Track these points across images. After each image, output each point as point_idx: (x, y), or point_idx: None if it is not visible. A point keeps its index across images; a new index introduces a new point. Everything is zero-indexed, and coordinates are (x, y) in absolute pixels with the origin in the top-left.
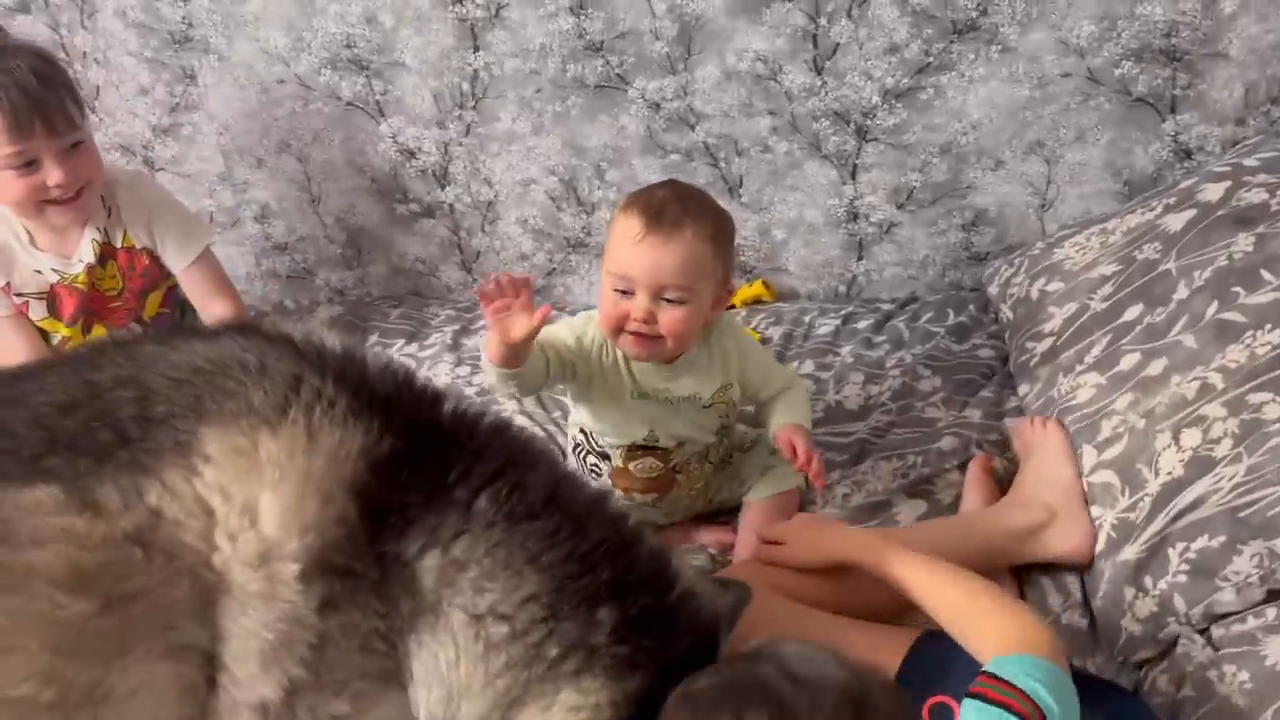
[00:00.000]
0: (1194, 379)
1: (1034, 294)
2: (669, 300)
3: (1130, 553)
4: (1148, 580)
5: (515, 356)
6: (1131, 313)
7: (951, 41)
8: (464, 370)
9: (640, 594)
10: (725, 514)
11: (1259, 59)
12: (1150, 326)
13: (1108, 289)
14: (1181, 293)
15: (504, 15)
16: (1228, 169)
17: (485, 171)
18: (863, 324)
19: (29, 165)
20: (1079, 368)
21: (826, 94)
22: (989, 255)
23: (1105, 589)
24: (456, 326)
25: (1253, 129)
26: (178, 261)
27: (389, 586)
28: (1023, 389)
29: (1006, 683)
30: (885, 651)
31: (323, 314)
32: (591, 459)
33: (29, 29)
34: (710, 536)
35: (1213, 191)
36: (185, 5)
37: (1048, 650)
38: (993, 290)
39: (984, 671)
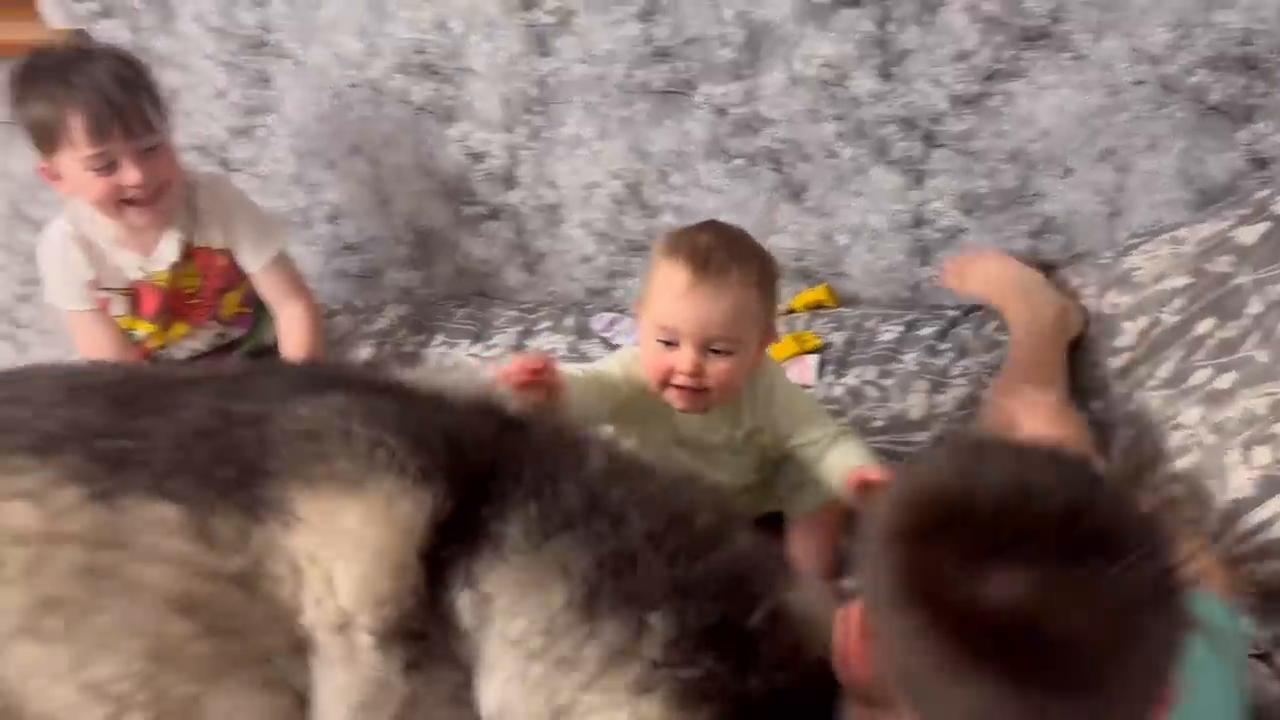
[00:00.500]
0: (1265, 394)
1: (1105, 307)
2: (716, 351)
3: None
4: None
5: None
6: (1203, 327)
7: (1022, 48)
8: None
9: (708, 604)
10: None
11: None
12: (1222, 341)
13: (1179, 302)
14: (1255, 307)
15: (572, 22)
16: None
17: (550, 175)
18: (926, 330)
19: (108, 167)
20: (1150, 383)
21: (894, 100)
22: (1057, 263)
23: None
24: (520, 328)
25: None
26: (253, 262)
27: (449, 638)
28: (1095, 404)
29: None
30: None
31: (390, 313)
32: None
33: (111, 33)
34: None
35: None
36: (262, 11)
37: None
38: None
39: None
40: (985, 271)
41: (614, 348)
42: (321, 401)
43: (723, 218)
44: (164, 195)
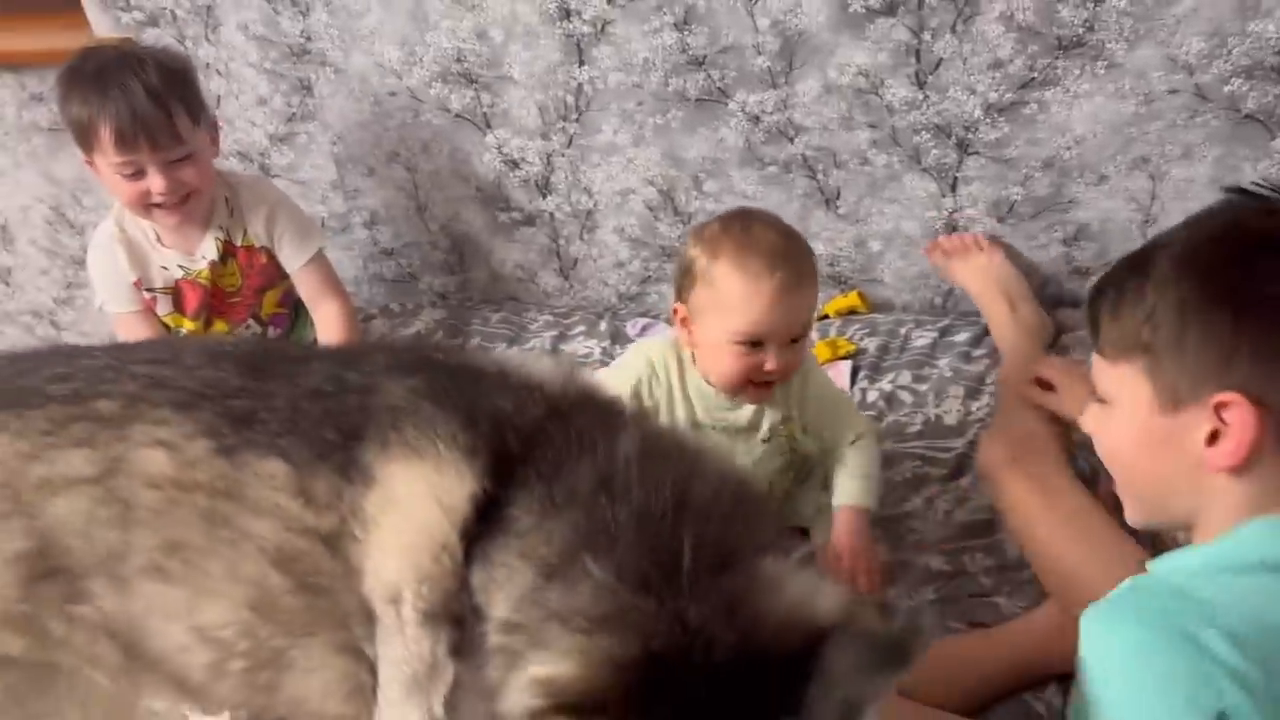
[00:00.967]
0: None
1: None
2: (794, 341)
3: None
4: None
5: None
6: None
7: (1056, 57)
8: None
9: (658, 555)
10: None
11: None
12: None
13: None
14: None
15: (609, 31)
16: None
17: (585, 181)
18: (961, 337)
19: (136, 174)
20: None
21: (928, 108)
22: (1090, 270)
23: None
24: (554, 332)
25: None
26: (293, 260)
27: (480, 624)
28: None
29: None
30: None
31: (426, 317)
32: None
33: (156, 42)
34: None
35: None
36: (304, 20)
37: None
38: None
39: None
40: (977, 266)
41: None
42: (408, 381)
43: None
44: (191, 201)
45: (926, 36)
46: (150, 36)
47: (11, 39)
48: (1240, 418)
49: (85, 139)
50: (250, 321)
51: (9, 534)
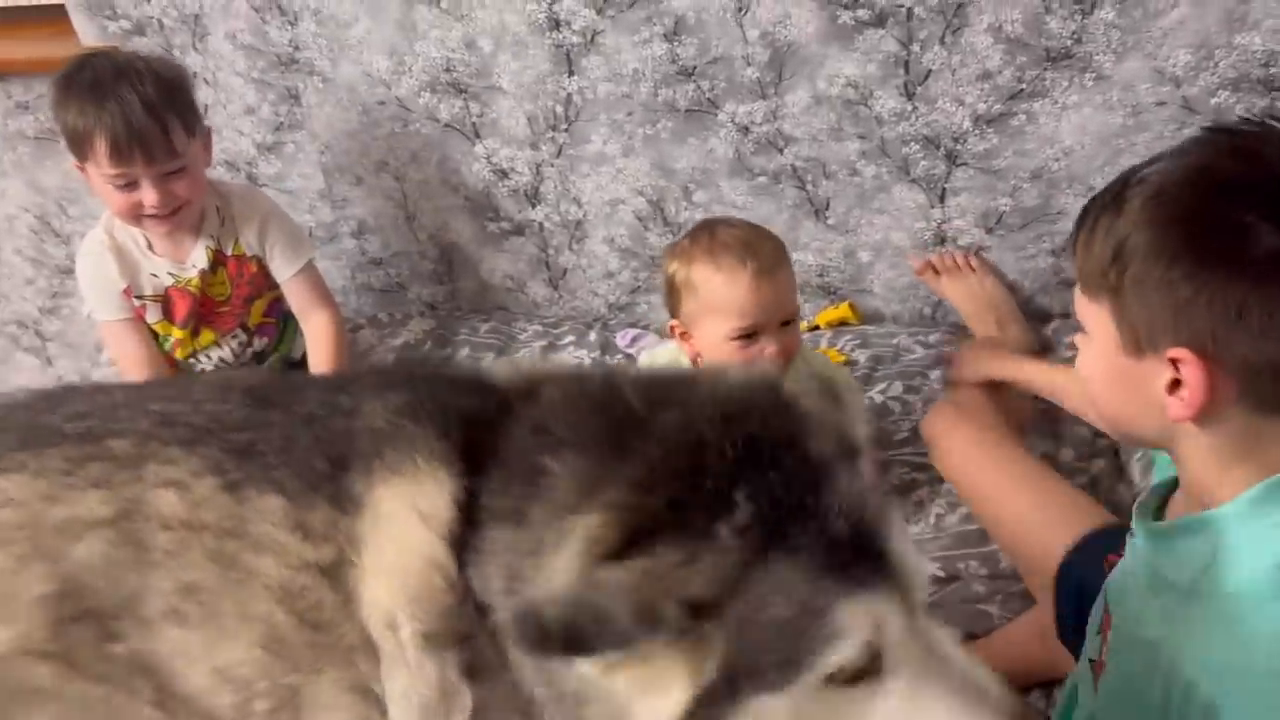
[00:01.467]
0: None
1: None
2: (785, 324)
3: None
4: None
5: None
6: None
7: (1045, 69)
8: None
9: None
10: None
11: None
12: None
13: None
14: None
15: (599, 41)
16: None
17: (575, 191)
18: (952, 349)
19: (128, 185)
20: None
21: (917, 119)
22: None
23: None
24: (544, 342)
25: None
26: (284, 270)
27: (496, 639)
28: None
29: None
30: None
31: (414, 327)
32: None
33: (143, 51)
34: None
35: None
36: (292, 29)
37: None
38: None
39: None
40: (968, 286)
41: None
42: (389, 399)
43: None
44: (182, 211)
45: (915, 48)
46: (137, 45)
47: None
48: (1192, 374)
49: (79, 148)
50: (238, 331)
51: (32, 577)
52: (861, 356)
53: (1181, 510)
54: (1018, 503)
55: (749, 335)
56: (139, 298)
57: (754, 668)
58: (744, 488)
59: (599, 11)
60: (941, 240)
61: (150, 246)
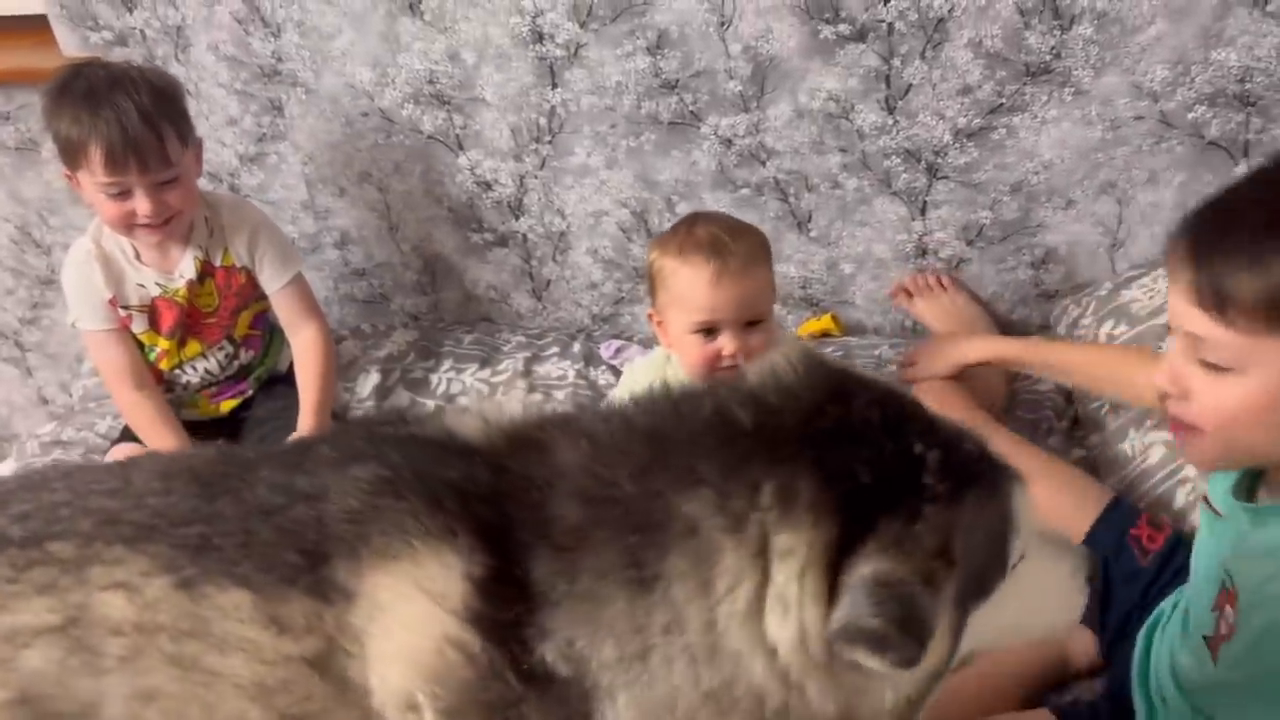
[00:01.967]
0: None
1: (1101, 336)
2: (750, 325)
3: None
4: None
5: None
6: None
7: (1024, 83)
8: (536, 397)
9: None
10: None
11: None
12: None
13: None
14: None
15: (582, 54)
16: None
17: (558, 203)
18: None
19: (122, 194)
20: (1149, 423)
21: (898, 133)
22: (1058, 293)
23: None
24: (528, 353)
25: None
26: (273, 282)
27: (550, 699)
28: (1093, 439)
29: None
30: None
31: (398, 338)
32: None
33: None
34: None
35: None
36: (275, 41)
37: None
38: (1060, 330)
39: None
40: (941, 305)
41: (620, 375)
42: (357, 475)
43: None
44: (174, 222)
45: (896, 62)
46: (119, 56)
47: None
48: None
49: (73, 157)
50: (224, 343)
51: None
52: None
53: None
54: (1033, 483)
55: (709, 331)
56: (124, 308)
57: (974, 588)
58: (913, 439)
59: (582, 25)
60: (923, 253)
61: (138, 256)
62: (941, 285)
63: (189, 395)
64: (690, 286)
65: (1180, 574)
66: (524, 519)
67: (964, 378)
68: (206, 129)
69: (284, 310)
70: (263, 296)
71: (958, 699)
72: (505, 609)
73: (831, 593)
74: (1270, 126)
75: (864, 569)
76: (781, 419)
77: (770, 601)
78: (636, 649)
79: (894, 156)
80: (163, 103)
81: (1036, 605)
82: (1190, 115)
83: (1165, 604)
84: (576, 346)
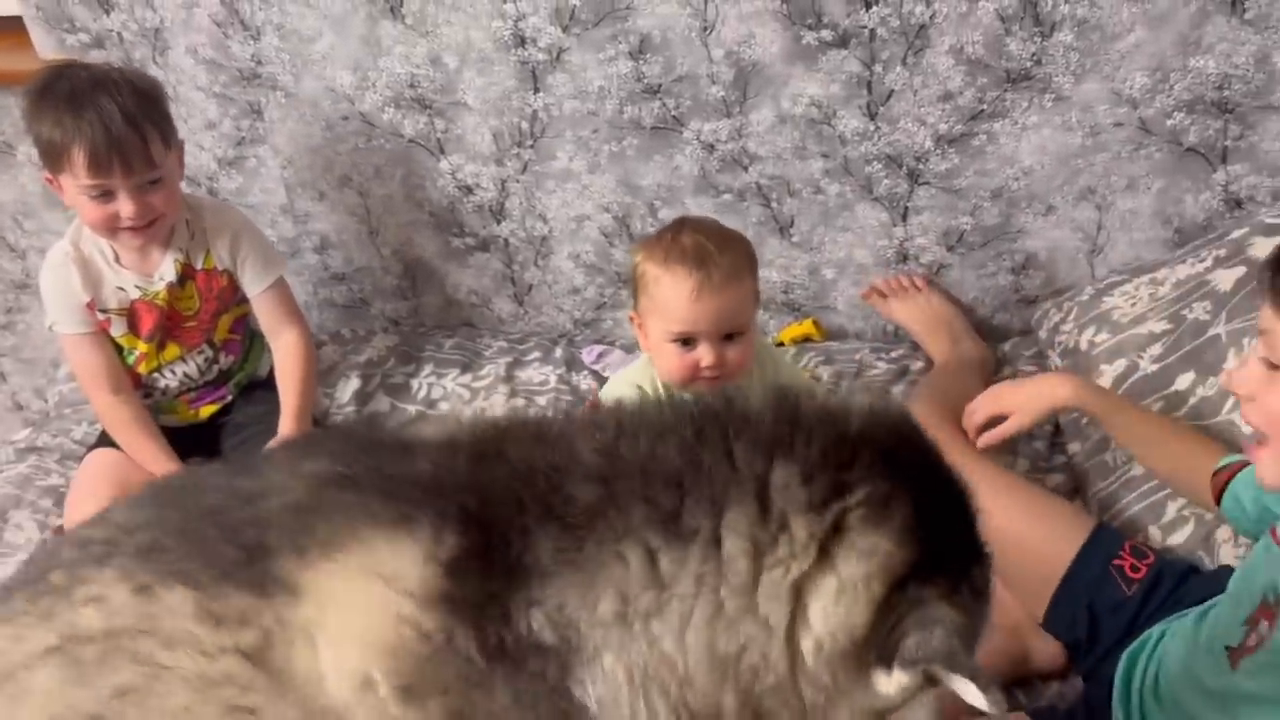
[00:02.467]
0: None
1: (1083, 344)
2: (729, 337)
3: None
4: None
5: None
6: (1183, 381)
7: (1005, 90)
8: (519, 402)
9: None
10: None
11: None
12: (1204, 400)
13: (1157, 349)
14: (1232, 363)
15: (565, 59)
16: (1278, 221)
17: (540, 208)
18: (916, 365)
19: (105, 196)
20: None
21: (880, 139)
22: (1038, 298)
23: None
24: (509, 359)
25: None
26: (255, 285)
27: (522, 670)
28: (1072, 446)
29: None
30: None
31: (378, 343)
32: None
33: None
34: None
35: (1262, 246)
36: (255, 44)
37: None
38: (1042, 334)
39: None
40: (916, 305)
41: (603, 379)
42: (304, 471)
43: None
44: (157, 224)
45: (878, 69)
46: (96, 59)
47: None
48: None
49: (55, 159)
50: (204, 346)
51: (24, 713)
52: (825, 373)
53: None
54: (1011, 517)
55: (686, 341)
56: (103, 311)
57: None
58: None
59: (565, 29)
60: (904, 258)
61: (117, 259)
62: (915, 285)
63: (167, 400)
64: (671, 297)
65: (1167, 603)
66: (522, 501)
67: (946, 384)
68: (185, 132)
69: (265, 314)
70: (244, 300)
71: None
72: (480, 586)
73: (886, 606)
74: (1248, 133)
75: (929, 599)
76: (886, 445)
77: (825, 587)
78: (647, 604)
79: (875, 162)
80: (146, 104)
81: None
82: (1169, 122)
83: (1154, 630)
84: (558, 351)
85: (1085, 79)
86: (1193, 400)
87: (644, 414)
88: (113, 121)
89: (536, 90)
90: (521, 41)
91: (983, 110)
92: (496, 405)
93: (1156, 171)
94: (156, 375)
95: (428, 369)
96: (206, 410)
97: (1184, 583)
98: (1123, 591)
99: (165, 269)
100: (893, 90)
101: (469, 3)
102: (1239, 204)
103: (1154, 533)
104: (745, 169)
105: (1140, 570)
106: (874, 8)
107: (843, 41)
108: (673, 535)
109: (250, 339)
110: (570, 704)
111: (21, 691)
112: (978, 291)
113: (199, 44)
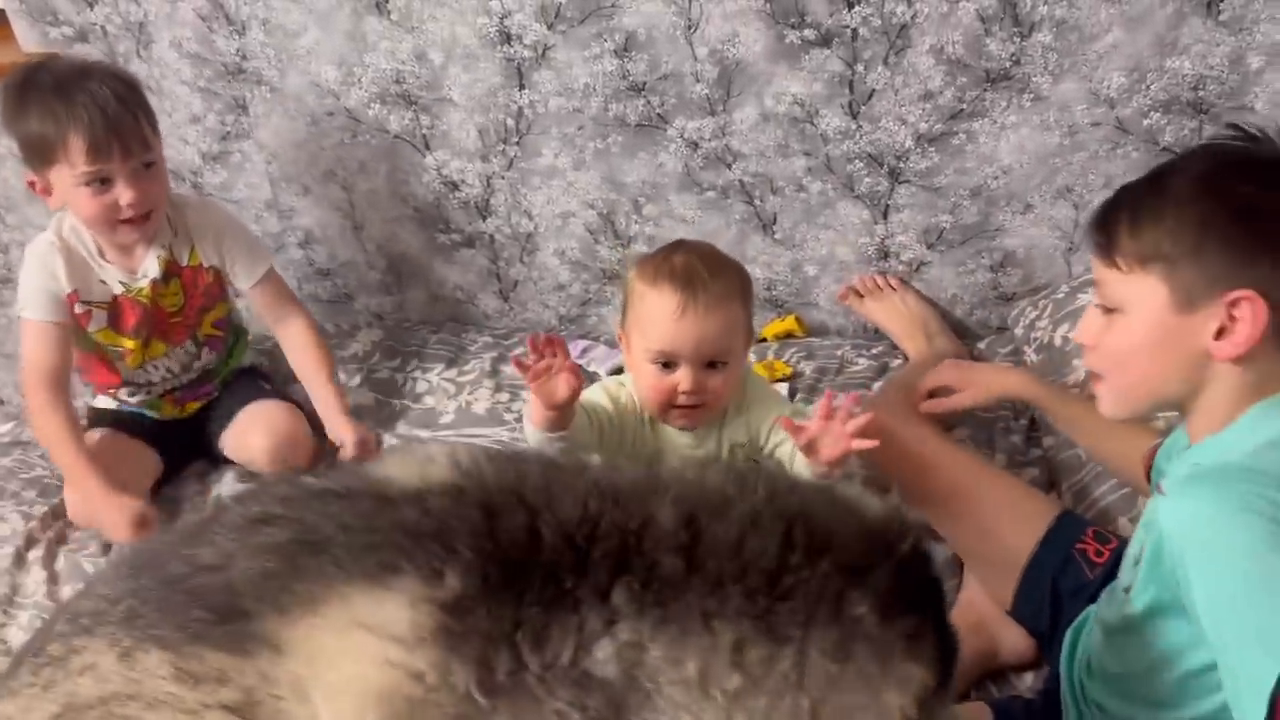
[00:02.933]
0: None
1: (1057, 340)
2: (712, 365)
3: None
4: None
5: (561, 419)
6: None
7: (985, 90)
8: (503, 397)
9: (863, 562)
10: None
11: None
12: None
13: None
14: None
15: (550, 56)
16: None
17: (526, 204)
18: (896, 362)
19: (103, 183)
20: None
21: (861, 137)
22: (1015, 295)
23: None
24: (494, 354)
25: None
26: (246, 279)
27: (553, 700)
28: (1047, 441)
29: None
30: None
31: (363, 338)
32: None
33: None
34: None
35: None
36: (240, 38)
37: None
38: (1018, 331)
39: None
40: (892, 305)
41: (589, 374)
42: (266, 544)
43: None
44: (153, 216)
45: (860, 68)
46: (80, 52)
47: None
48: (1251, 311)
49: (47, 153)
50: (188, 343)
51: None
52: (807, 368)
53: None
54: (980, 501)
55: (667, 364)
56: (86, 302)
57: None
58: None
59: (550, 26)
60: (885, 255)
61: (101, 254)
62: (890, 285)
63: (151, 399)
64: (654, 314)
65: None
66: (560, 549)
67: (920, 380)
68: (169, 126)
69: (264, 305)
70: (228, 298)
71: None
72: (489, 625)
73: None
74: (1222, 133)
75: (938, 708)
76: (920, 578)
77: (871, 710)
78: (736, 686)
79: (857, 160)
80: (130, 89)
81: None
82: (1145, 122)
83: (1092, 607)
84: None
85: (1063, 79)
86: None
87: (723, 492)
88: (108, 104)
89: (522, 87)
90: (507, 38)
91: (962, 109)
92: (481, 400)
93: (1133, 170)
94: (141, 371)
95: (413, 364)
96: (192, 406)
97: None
98: (1085, 575)
99: (149, 265)
100: (874, 89)
101: None
102: None
103: (1124, 524)
104: (729, 166)
105: (1104, 555)
106: (856, 7)
107: (825, 41)
108: (763, 633)
109: (235, 336)
110: None
111: None
112: (957, 289)
113: (184, 38)
